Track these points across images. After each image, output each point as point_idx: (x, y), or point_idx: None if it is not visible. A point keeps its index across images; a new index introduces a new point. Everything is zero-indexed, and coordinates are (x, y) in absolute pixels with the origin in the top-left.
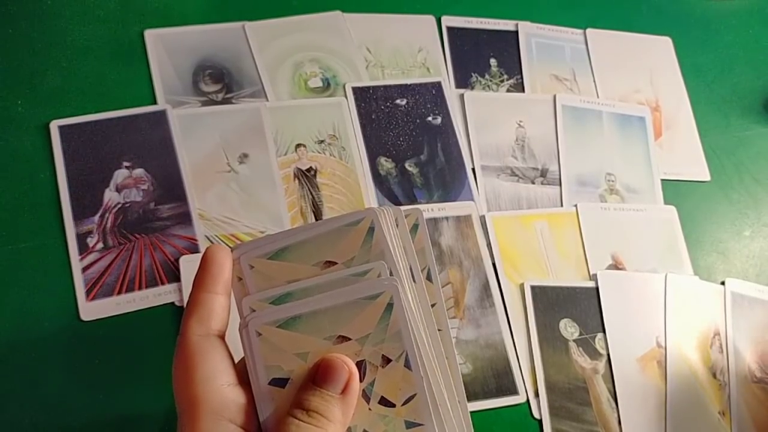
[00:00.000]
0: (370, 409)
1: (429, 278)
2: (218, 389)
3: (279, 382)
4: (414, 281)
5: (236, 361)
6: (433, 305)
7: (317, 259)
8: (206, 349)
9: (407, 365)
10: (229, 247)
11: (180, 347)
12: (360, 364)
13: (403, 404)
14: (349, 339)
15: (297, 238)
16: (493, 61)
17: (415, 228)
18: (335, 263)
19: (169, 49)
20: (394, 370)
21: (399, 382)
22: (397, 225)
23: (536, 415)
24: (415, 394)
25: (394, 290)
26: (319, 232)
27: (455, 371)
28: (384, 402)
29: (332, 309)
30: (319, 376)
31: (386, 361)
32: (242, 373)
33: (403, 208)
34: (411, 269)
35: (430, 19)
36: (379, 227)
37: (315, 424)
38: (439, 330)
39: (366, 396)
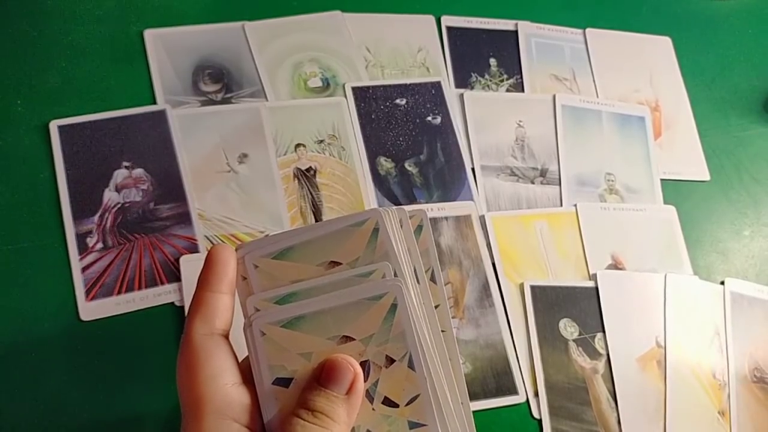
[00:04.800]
0: (373, 409)
1: (433, 279)
2: (222, 388)
3: (283, 382)
4: (418, 282)
5: (240, 360)
6: (436, 306)
7: (322, 260)
8: (210, 348)
9: (411, 366)
10: (234, 246)
11: (184, 346)
12: (364, 365)
13: (407, 404)
14: (353, 339)
15: (302, 238)
16: (492, 61)
17: (419, 229)
18: (340, 263)
19: (168, 49)
20: (397, 371)
21: (402, 382)
22: (401, 226)
23: (536, 415)
24: (418, 395)
25: (398, 291)
26: (323, 232)
27: (458, 372)
28: (387, 402)
29: (336, 309)
30: (324, 376)
31: (390, 361)
32: (246, 373)
33: (407, 209)
34: (415, 270)
35: (430, 18)
36: (383, 228)
37: (320, 424)
38: (442, 331)
39: (369, 396)
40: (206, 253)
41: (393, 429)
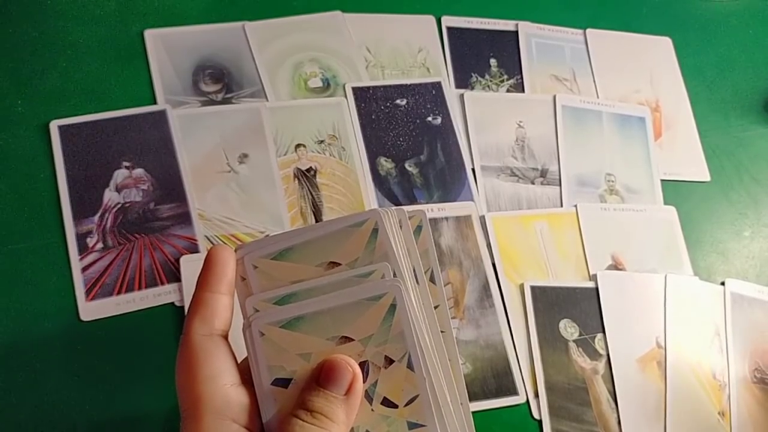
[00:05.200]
0: (372, 409)
1: (432, 280)
2: (221, 389)
3: (282, 383)
4: (417, 283)
5: (240, 361)
6: (436, 307)
7: (321, 260)
8: (209, 348)
9: (410, 366)
10: (233, 247)
11: (183, 346)
12: (363, 365)
13: (406, 405)
14: (352, 340)
15: (301, 238)
16: (493, 61)
17: (418, 230)
18: (339, 264)
19: (169, 49)
20: (396, 371)
21: (402, 383)
22: (401, 226)
23: (536, 415)
24: (417, 395)
25: (397, 291)
26: (323, 232)
27: (458, 373)
28: (387, 403)
29: (335, 309)
30: (323, 377)
31: (389, 362)
32: (245, 373)
33: (407, 209)
34: (414, 271)
35: (430, 19)
36: (383, 229)
37: (319, 425)
38: (442, 332)
39: (369, 397)
40: (206, 253)
41: (392, 429)
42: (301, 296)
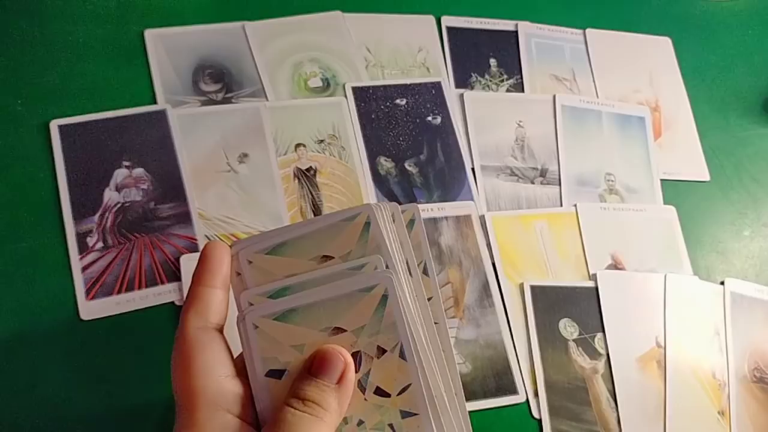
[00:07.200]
0: (365, 399)
1: (426, 272)
2: (216, 380)
3: (276, 374)
4: (410, 275)
5: (236, 356)
6: (429, 299)
7: (314, 254)
8: (204, 341)
9: (402, 356)
10: (228, 243)
11: (178, 340)
12: (356, 355)
13: (399, 394)
14: (345, 330)
15: (295, 233)
16: (492, 61)
17: (411, 223)
18: (332, 257)
19: (169, 48)
20: (389, 361)
21: (394, 372)
22: (393, 220)
23: (536, 414)
24: (410, 384)
25: (388, 282)
26: (316, 227)
27: (452, 364)
28: (379, 392)
29: (328, 301)
30: (315, 366)
31: (381, 351)
32: (240, 366)
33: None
34: (407, 263)
35: (430, 19)
36: (375, 222)
37: (311, 413)
38: (435, 323)
39: (362, 386)
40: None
41: (385, 418)
42: (294, 290)
